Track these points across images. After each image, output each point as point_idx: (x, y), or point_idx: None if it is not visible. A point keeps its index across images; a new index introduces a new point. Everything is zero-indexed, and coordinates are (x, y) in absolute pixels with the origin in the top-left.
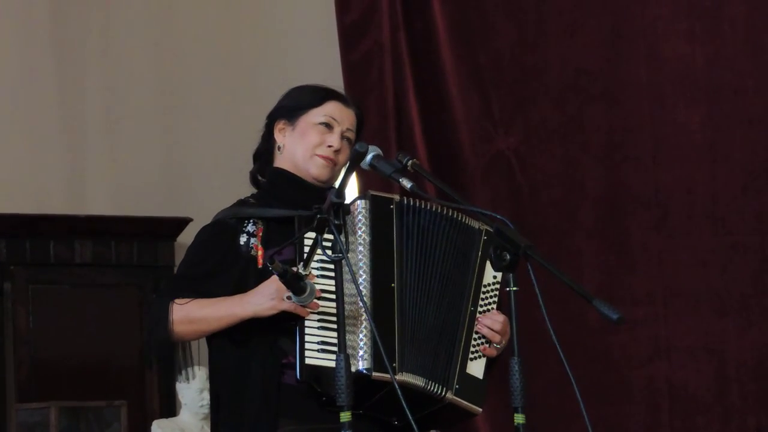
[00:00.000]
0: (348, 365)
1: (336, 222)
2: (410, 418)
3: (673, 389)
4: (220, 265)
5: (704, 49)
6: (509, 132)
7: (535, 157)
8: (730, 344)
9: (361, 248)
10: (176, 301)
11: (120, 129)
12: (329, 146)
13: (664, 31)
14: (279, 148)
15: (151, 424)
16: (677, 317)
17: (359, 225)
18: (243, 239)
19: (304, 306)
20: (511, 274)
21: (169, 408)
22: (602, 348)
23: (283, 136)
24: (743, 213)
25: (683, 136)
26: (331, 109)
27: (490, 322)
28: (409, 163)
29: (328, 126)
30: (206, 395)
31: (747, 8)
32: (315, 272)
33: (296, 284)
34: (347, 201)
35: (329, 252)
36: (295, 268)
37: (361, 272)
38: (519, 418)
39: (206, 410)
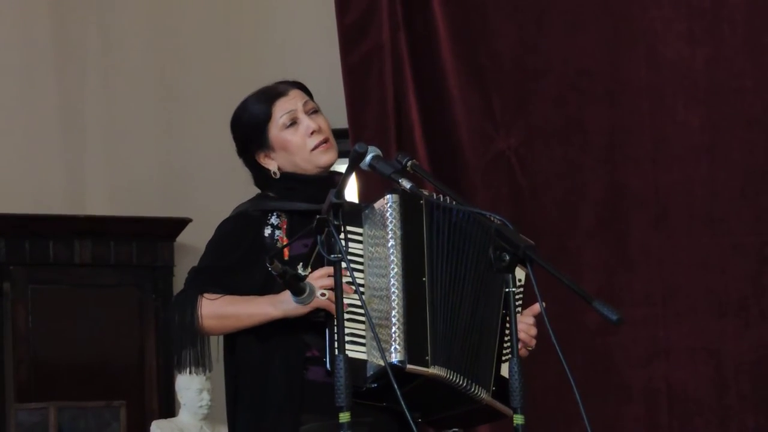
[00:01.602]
0: (347, 366)
1: (336, 222)
2: (407, 414)
3: (671, 390)
4: (245, 258)
5: (704, 50)
6: (510, 133)
7: (535, 157)
8: (729, 345)
9: (392, 242)
10: (206, 295)
11: (119, 129)
12: (311, 133)
13: (664, 32)
14: (275, 174)
15: (150, 425)
16: (676, 318)
17: (390, 219)
18: (267, 231)
19: (305, 305)
20: (510, 275)
21: (168, 408)
22: (601, 348)
23: (271, 159)
24: (742, 214)
25: (683, 137)
26: (282, 107)
27: (526, 327)
28: (409, 163)
29: (293, 121)
30: (206, 395)
31: (746, 9)
32: (343, 265)
33: (295, 285)
34: (349, 199)
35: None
36: (300, 265)
37: (392, 265)
38: (518, 419)
39: (205, 410)
